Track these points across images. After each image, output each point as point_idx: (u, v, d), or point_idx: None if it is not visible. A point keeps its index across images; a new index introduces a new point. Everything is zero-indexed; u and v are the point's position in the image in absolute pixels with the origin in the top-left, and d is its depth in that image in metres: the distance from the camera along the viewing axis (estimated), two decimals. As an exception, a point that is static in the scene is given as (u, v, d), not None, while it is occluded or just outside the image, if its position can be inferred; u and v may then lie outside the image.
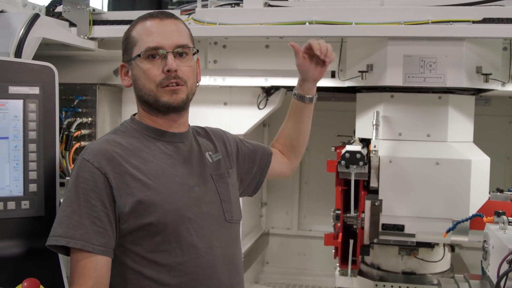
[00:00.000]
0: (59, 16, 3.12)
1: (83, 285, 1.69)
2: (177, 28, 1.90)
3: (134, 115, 1.99)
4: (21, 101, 1.99)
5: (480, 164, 3.05)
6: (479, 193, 3.04)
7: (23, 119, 2.00)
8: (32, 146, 2.00)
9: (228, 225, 1.95)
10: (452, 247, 3.40)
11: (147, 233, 1.78)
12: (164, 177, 1.83)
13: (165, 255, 1.79)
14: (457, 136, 3.12)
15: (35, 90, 2.01)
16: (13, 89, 1.98)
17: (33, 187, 2.00)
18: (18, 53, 2.41)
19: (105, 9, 5.69)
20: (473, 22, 2.78)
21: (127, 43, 1.92)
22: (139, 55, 1.85)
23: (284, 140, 2.37)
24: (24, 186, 2.00)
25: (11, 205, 1.97)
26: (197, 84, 1.97)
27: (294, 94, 2.32)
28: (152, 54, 1.84)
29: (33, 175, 2.00)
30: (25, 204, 1.99)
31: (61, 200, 1.93)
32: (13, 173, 1.98)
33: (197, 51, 1.95)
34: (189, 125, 2.04)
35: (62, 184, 2.11)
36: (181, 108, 1.90)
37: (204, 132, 2.11)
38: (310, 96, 2.31)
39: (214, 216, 1.91)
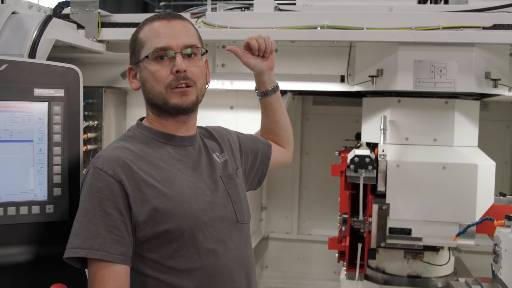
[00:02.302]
0: (64, 18, 3.09)
1: None
2: (185, 28, 1.87)
3: (141, 120, 1.97)
4: (46, 104, 1.96)
5: (486, 168, 3.09)
6: (485, 197, 3.08)
7: (48, 122, 1.97)
8: (57, 149, 1.97)
9: (240, 226, 1.95)
10: (453, 250, 3.43)
11: (164, 240, 1.76)
12: (177, 183, 1.80)
13: (183, 261, 1.77)
14: (463, 140, 3.16)
15: (60, 93, 1.98)
16: (38, 91, 1.95)
17: (57, 191, 1.97)
18: (32, 54, 2.37)
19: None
20: (483, 28, 2.82)
21: (135, 45, 1.89)
22: (147, 57, 1.82)
23: (269, 135, 2.36)
24: (49, 190, 1.96)
25: (36, 209, 1.94)
26: (207, 86, 1.95)
27: (258, 94, 2.29)
28: (160, 55, 1.82)
29: (57, 178, 1.97)
30: (50, 209, 1.96)
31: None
32: (37, 176, 1.95)
33: (206, 51, 1.93)
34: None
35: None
36: (191, 110, 1.88)
37: (208, 133, 2.09)
38: (272, 87, 2.26)
39: (227, 218, 1.90)
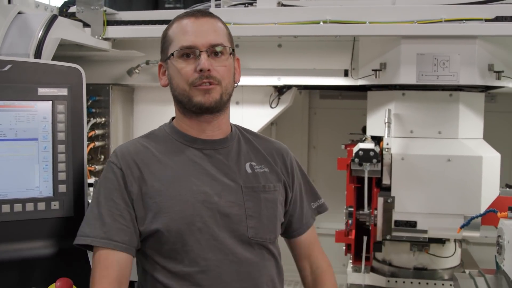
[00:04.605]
0: (70, 16, 3.13)
1: (107, 276, 1.72)
2: (212, 26, 1.85)
3: (173, 118, 1.98)
4: (50, 103, 1.99)
5: (491, 160, 3.09)
6: (490, 189, 3.08)
7: (52, 121, 2.00)
8: (61, 147, 2.00)
9: (252, 242, 1.85)
10: (460, 242, 3.44)
11: (157, 239, 1.78)
12: (178, 185, 1.80)
13: (174, 263, 1.78)
14: (467, 133, 3.15)
15: (64, 92, 2.01)
16: (42, 91, 1.98)
17: (62, 188, 2.01)
18: (38, 54, 2.43)
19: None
20: (486, 20, 2.81)
21: (164, 42, 1.90)
22: (172, 54, 1.84)
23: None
24: (54, 187, 2.00)
25: (41, 205, 1.98)
26: (235, 84, 1.92)
27: None
28: (186, 53, 1.82)
29: (62, 176, 2.01)
30: (55, 205, 2.00)
31: (89, 201, 1.95)
32: (42, 174, 1.99)
33: (233, 50, 1.90)
34: (235, 130, 1.99)
35: (90, 185, 2.13)
36: (215, 109, 1.84)
37: (266, 143, 2.01)
38: None
39: (235, 230, 1.83)
